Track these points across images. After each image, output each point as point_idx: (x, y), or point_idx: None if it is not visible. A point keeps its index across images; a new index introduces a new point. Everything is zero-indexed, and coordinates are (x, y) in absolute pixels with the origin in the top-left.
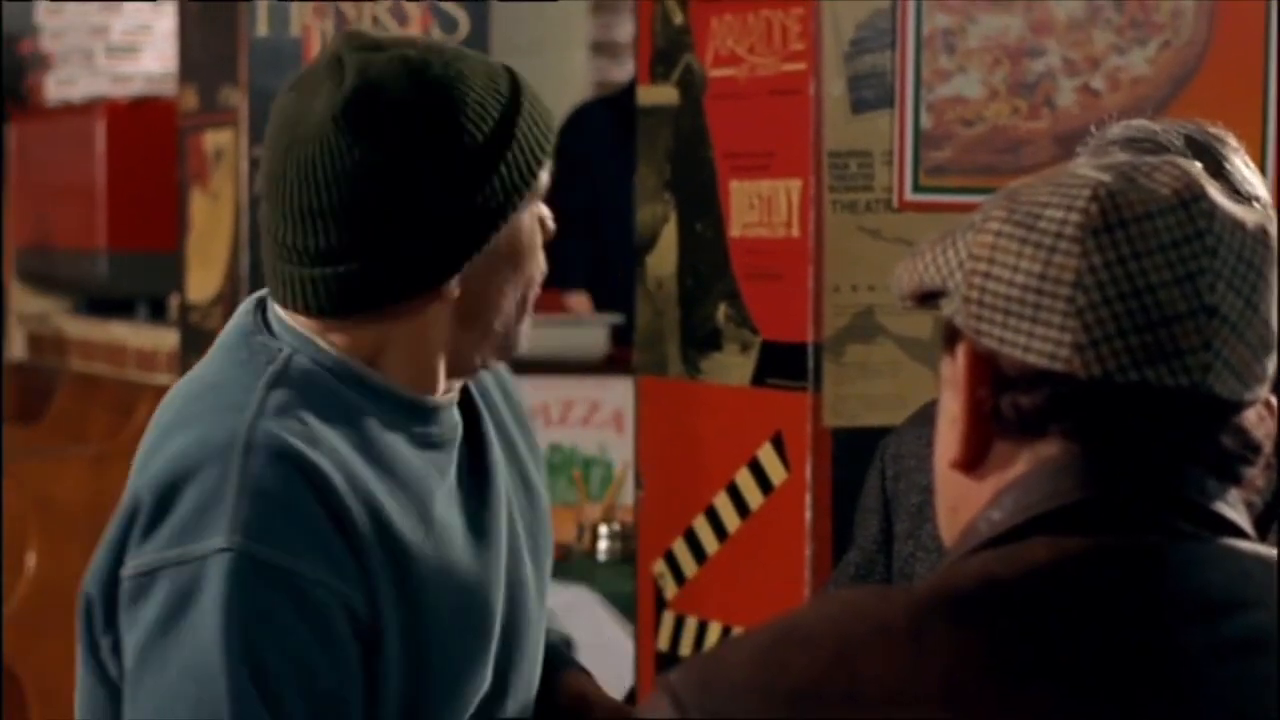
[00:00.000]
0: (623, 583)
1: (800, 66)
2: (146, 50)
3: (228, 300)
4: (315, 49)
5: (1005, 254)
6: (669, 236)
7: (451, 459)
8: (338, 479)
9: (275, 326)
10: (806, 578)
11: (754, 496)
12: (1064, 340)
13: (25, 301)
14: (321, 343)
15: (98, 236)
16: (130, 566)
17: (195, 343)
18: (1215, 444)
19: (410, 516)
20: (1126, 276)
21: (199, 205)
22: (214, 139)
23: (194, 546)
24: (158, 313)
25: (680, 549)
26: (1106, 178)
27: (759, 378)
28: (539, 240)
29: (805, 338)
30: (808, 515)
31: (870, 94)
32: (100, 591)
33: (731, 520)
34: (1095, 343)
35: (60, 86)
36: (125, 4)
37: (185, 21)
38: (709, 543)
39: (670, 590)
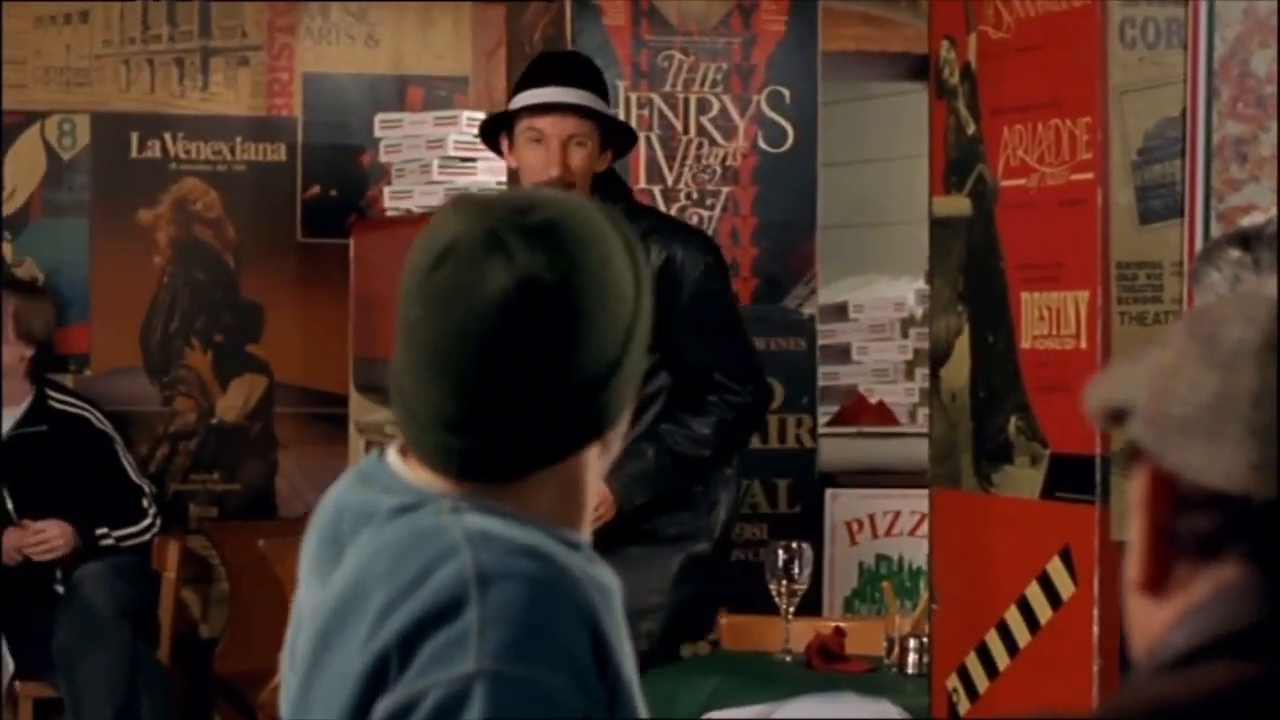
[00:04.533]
0: (928, 696)
1: (1088, 176)
2: (481, 162)
3: None
4: (641, 159)
5: (1185, 372)
6: (962, 348)
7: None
8: (575, 596)
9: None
10: (1094, 694)
11: (1043, 611)
12: (1240, 460)
13: (363, 411)
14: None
15: None
16: (383, 708)
17: None
18: None
19: (617, 639)
20: None
21: None
22: None
23: (445, 674)
24: None
25: (973, 663)
26: None
27: (1048, 491)
28: None
29: (1093, 451)
30: (1095, 630)
31: (1159, 204)
32: None
33: (1022, 634)
34: (1273, 463)
35: (396, 198)
36: (461, 116)
37: None
38: (1000, 657)
39: (964, 705)
